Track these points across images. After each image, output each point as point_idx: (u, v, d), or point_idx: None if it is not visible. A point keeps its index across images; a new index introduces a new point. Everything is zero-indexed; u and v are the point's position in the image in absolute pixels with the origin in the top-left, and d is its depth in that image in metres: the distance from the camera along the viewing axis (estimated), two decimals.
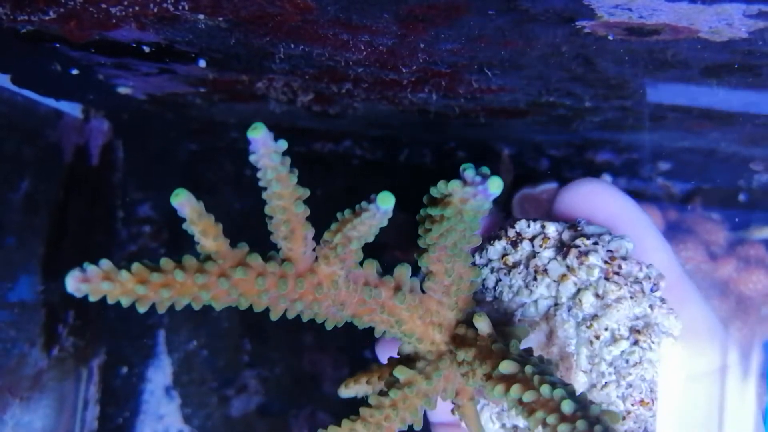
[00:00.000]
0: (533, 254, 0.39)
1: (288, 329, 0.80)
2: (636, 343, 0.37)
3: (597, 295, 0.37)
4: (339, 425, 0.35)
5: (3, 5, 0.41)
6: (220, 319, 0.80)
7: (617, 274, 0.37)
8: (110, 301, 0.31)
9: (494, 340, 0.35)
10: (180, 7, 0.39)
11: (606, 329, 0.37)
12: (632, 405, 0.37)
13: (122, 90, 0.64)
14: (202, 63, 0.51)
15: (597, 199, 0.40)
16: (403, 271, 0.36)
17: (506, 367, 0.32)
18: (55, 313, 0.68)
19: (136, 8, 0.40)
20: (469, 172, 0.31)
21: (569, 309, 0.38)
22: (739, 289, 0.68)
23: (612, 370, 0.37)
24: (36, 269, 0.65)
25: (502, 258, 0.40)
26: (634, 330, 0.37)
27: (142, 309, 0.32)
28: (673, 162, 0.78)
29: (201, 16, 0.41)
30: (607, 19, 0.38)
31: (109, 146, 0.74)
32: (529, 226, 0.40)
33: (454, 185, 0.32)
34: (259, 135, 0.30)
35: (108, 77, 0.59)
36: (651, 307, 0.37)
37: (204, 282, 0.32)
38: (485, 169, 0.32)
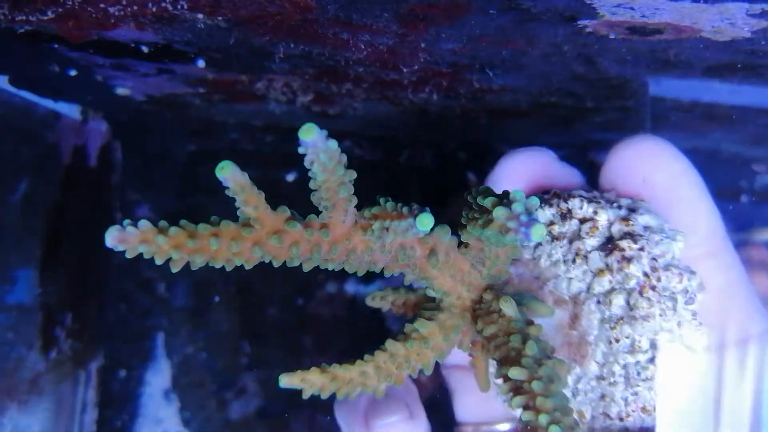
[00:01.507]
0: (578, 236, 0.39)
1: (287, 331, 0.80)
2: (653, 360, 0.37)
3: (628, 303, 0.37)
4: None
5: (1, 5, 0.41)
6: (219, 321, 0.79)
7: (653, 288, 0.37)
8: (146, 256, 0.33)
9: (514, 330, 0.35)
10: (179, 7, 0.39)
11: (627, 337, 0.37)
12: (633, 411, 0.37)
13: (121, 91, 0.64)
14: (201, 63, 0.51)
15: (657, 161, 0.38)
16: (441, 232, 0.36)
17: (515, 374, 0.33)
18: (53, 315, 0.67)
19: (135, 8, 0.40)
20: (517, 206, 0.30)
21: (598, 302, 0.38)
22: None
23: (623, 373, 0.37)
24: (34, 271, 0.65)
25: (549, 225, 0.39)
26: (654, 345, 0.37)
27: (175, 269, 0.33)
28: None
29: (200, 16, 0.41)
30: (609, 18, 0.38)
31: (107, 147, 0.74)
32: (581, 207, 0.39)
33: (499, 213, 0.31)
34: (310, 138, 0.31)
35: (106, 78, 0.59)
36: (679, 324, 0.37)
37: (238, 250, 0.33)
38: (534, 202, 0.31)
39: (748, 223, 0.72)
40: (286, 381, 0.35)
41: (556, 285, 0.39)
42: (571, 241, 0.38)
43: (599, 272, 0.37)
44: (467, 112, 0.62)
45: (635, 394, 0.37)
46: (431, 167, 0.81)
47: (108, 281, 0.77)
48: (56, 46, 0.49)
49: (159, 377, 0.78)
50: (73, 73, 0.56)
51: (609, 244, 0.37)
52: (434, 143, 0.79)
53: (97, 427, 0.75)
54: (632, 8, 0.37)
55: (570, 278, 0.38)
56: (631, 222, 0.38)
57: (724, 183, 0.79)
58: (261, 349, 0.80)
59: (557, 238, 0.39)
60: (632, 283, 0.36)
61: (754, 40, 0.40)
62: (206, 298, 0.80)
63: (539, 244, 0.40)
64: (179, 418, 0.78)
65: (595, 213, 0.39)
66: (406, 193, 0.81)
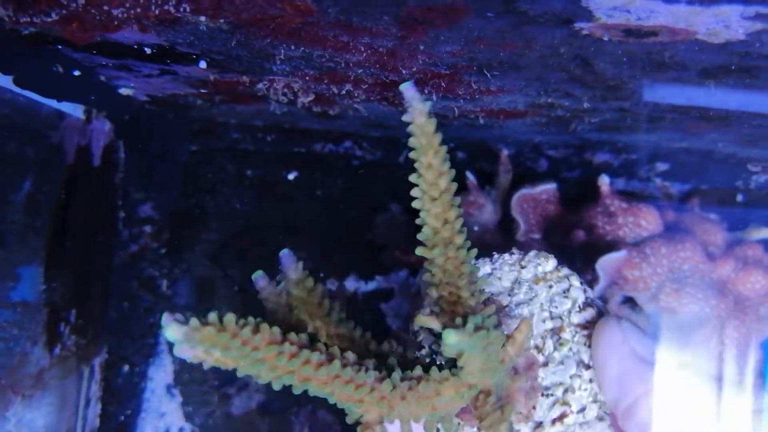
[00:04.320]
0: None
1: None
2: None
3: None
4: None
5: (6, 7, 0.41)
6: None
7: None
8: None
9: None
10: (181, 9, 0.40)
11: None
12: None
13: (124, 91, 0.65)
14: (203, 64, 0.51)
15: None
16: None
17: None
18: (57, 311, 0.68)
19: (138, 10, 0.40)
20: None
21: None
22: (737, 290, 0.68)
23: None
24: (38, 269, 0.66)
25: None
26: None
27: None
28: (671, 163, 0.78)
29: (202, 18, 0.41)
30: (605, 20, 0.39)
31: (110, 147, 0.74)
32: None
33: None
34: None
35: (109, 78, 0.60)
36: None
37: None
38: None
39: (743, 223, 0.73)
40: None
41: None
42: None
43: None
44: (465, 112, 0.62)
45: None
46: None
47: (111, 278, 0.78)
48: (60, 47, 0.49)
49: (162, 372, 0.79)
50: (76, 73, 0.57)
51: None
52: None
53: (101, 422, 0.75)
54: (628, 11, 0.37)
55: None
56: None
57: (719, 182, 0.80)
58: None
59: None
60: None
61: (748, 42, 0.40)
62: (208, 297, 0.80)
63: None
64: (181, 412, 0.79)
65: None
66: (405, 193, 0.82)
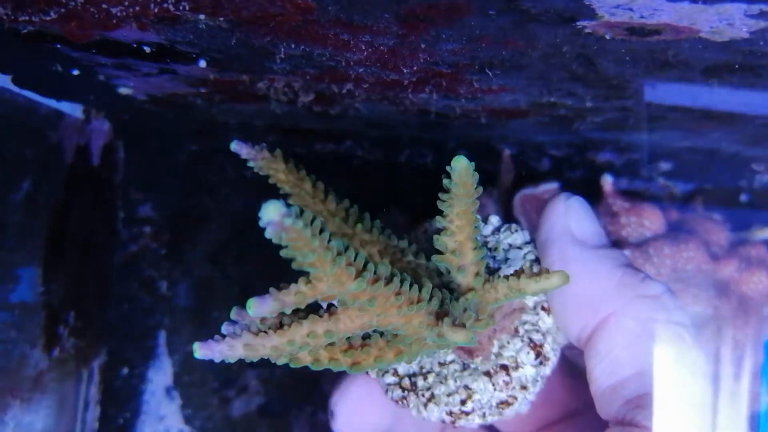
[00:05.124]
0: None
1: None
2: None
3: None
4: None
5: (4, 6, 0.41)
6: (221, 319, 0.80)
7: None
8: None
9: None
10: (181, 8, 0.40)
11: None
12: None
13: (123, 90, 0.64)
14: (203, 63, 0.51)
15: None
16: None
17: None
18: (56, 314, 0.68)
19: (137, 8, 0.40)
20: None
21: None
22: (740, 290, 0.68)
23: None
24: (36, 270, 0.65)
25: None
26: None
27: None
28: (675, 162, 0.78)
29: (202, 17, 0.41)
30: (608, 19, 0.38)
31: (109, 147, 0.74)
32: None
33: None
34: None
35: (109, 78, 0.59)
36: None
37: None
38: None
39: (747, 223, 0.73)
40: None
41: None
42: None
43: None
44: (467, 112, 0.62)
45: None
46: (431, 167, 0.81)
47: (110, 280, 0.77)
48: (59, 46, 0.49)
49: (161, 375, 0.79)
50: (75, 72, 0.57)
51: None
52: (434, 143, 0.80)
53: (100, 425, 0.75)
54: (631, 9, 0.37)
55: None
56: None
57: (723, 182, 0.80)
58: None
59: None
60: None
61: (752, 40, 0.40)
62: (208, 298, 0.80)
63: None
64: (181, 415, 0.79)
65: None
66: (406, 193, 0.82)
